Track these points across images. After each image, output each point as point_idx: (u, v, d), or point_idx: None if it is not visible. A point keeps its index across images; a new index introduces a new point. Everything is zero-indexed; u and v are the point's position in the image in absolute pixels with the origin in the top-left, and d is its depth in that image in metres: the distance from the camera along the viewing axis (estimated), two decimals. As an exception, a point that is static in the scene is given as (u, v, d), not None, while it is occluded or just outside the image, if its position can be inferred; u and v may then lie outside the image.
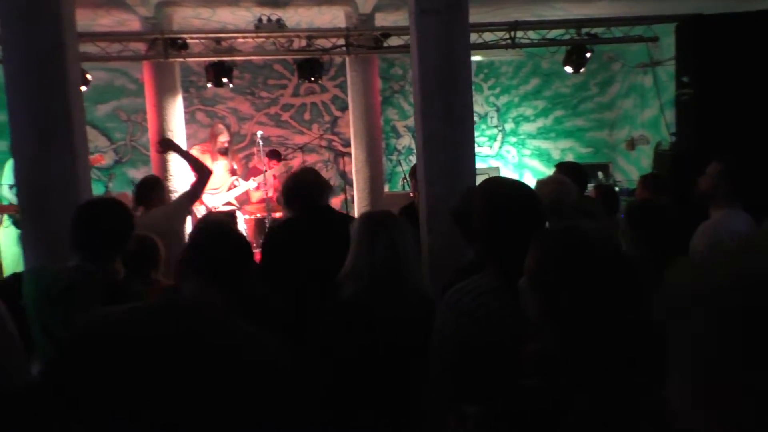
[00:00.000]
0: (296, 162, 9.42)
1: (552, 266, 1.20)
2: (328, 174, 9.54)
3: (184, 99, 8.97)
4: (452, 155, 3.39)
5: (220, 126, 6.58)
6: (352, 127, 6.56)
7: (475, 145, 9.81)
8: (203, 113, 9.37)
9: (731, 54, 5.46)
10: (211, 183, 6.35)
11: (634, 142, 9.30)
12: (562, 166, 4.33)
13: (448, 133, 3.38)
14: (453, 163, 3.37)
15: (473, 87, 9.67)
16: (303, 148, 8.89)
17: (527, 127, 10.02)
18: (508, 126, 10.03)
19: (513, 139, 10.05)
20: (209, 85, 6.51)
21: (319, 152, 9.49)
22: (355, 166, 6.55)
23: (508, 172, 9.77)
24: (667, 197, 4.55)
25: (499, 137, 10.06)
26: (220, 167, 6.31)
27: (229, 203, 6.35)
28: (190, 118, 9.13)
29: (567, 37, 6.50)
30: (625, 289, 1.13)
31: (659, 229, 2.59)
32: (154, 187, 4.10)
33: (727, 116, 5.32)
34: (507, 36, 6.28)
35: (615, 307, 1.13)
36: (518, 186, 1.86)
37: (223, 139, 6.33)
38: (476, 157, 10.46)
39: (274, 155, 7.46)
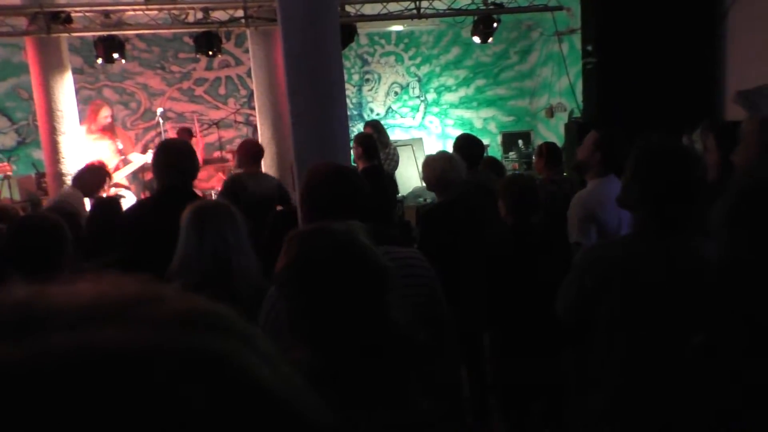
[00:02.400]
0: (212, 138, 9.08)
1: (293, 269, 1.18)
2: (247, 150, 9.26)
3: (89, 75, 8.61)
4: (325, 135, 3.23)
5: (99, 102, 6.17)
6: (256, 102, 6.31)
7: (397, 116, 9.73)
8: (111, 90, 8.92)
9: (634, 21, 5.43)
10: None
11: (553, 110, 9.40)
12: (456, 140, 4.32)
13: (319, 112, 3.21)
14: (326, 143, 3.21)
15: (394, 57, 9.66)
16: (219, 124, 8.57)
17: (449, 97, 9.94)
18: (430, 96, 9.93)
19: (435, 110, 9.96)
20: (99, 60, 6.14)
21: (236, 128, 9.20)
22: (262, 142, 6.34)
23: (431, 143, 9.67)
24: (560, 166, 4.54)
25: (422, 108, 9.95)
26: (104, 148, 5.91)
27: (117, 185, 5.93)
28: (97, 95, 8.69)
29: (473, 7, 6.39)
30: (361, 290, 1.13)
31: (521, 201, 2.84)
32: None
33: (629, 84, 5.29)
34: (413, 6, 6.12)
35: (354, 306, 1.13)
36: (329, 170, 1.86)
37: (105, 113, 5.85)
38: (399, 128, 10.06)
39: (185, 134, 7.05)
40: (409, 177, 8.84)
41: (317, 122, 3.21)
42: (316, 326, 1.11)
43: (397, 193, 5.68)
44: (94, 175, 4.33)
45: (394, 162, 6.14)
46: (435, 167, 3.45)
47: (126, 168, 5.97)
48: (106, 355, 0.27)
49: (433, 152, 3.71)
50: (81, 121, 6.14)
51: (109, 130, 5.91)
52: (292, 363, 0.34)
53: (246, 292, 2.09)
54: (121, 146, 6.04)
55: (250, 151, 4.64)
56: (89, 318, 0.28)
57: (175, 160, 2.86)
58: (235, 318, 0.34)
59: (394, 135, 9.41)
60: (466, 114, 9.95)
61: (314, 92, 3.20)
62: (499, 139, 9.58)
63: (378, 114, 9.70)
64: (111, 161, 5.83)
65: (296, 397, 0.31)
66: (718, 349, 1.13)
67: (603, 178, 2.98)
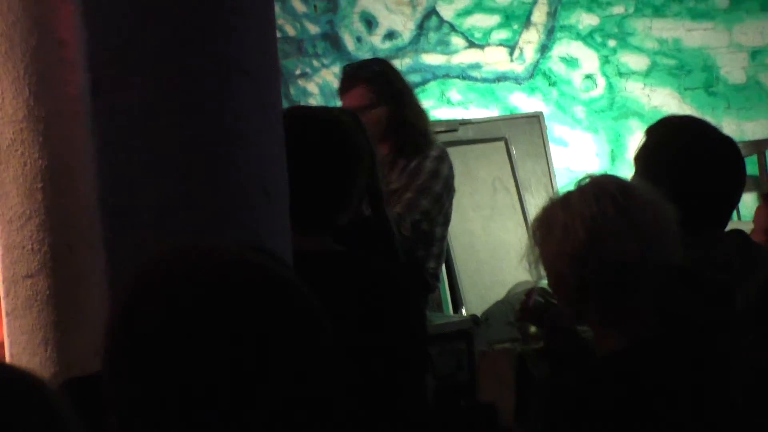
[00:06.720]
0: None
1: None
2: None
3: None
4: (201, 118, 1.01)
5: None
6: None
7: (456, 41, 3.48)
8: None
9: None
10: None
11: None
12: (656, 135, 1.60)
13: (171, 44, 1.02)
14: (204, 148, 1.01)
15: None
16: None
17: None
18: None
19: (586, 19, 3.94)
20: None
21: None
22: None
23: (571, 136, 3.80)
24: None
25: (538, 18, 3.90)
26: None
27: None
28: None
29: None
30: None
31: None
32: None
33: None
34: None
35: None
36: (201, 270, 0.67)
37: None
38: (461, 85, 5.00)
39: None
40: (494, 245, 3.46)
41: (177, 72, 1.01)
42: None
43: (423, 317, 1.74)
44: None
45: (438, 204, 2.58)
46: (573, 236, 1.19)
47: None
48: None
49: (577, 173, 2.24)
50: None
51: None
52: None
53: None
54: None
55: None
56: None
57: None
58: None
59: (450, 108, 3.78)
60: (691, 36, 3.89)
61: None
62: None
63: (397, 40, 3.74)
64: None
65: None
66: None
67: None
